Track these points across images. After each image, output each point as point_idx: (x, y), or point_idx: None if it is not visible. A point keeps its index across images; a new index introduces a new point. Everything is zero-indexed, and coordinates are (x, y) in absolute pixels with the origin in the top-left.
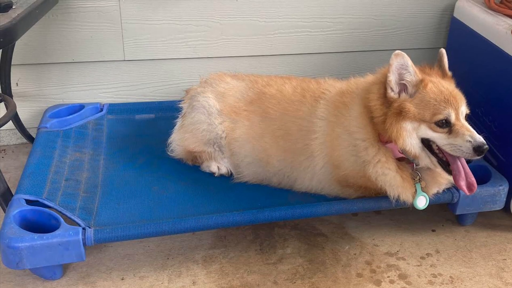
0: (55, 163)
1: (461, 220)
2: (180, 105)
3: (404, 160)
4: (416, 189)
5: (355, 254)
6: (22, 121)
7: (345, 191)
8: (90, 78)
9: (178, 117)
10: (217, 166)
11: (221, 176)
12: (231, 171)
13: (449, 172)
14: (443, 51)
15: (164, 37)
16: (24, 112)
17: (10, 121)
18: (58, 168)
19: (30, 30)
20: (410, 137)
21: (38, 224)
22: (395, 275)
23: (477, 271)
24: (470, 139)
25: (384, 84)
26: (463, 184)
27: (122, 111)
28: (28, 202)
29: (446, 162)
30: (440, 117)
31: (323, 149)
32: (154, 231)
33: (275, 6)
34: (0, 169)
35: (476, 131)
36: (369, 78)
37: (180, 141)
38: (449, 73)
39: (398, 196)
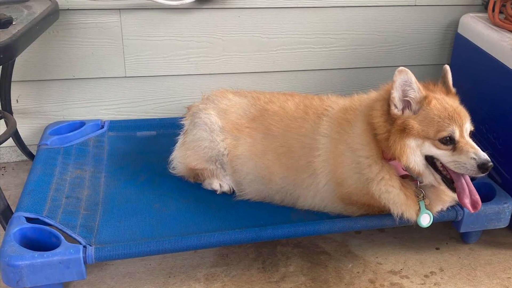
0: (56, 180)
1: (465, 238)
2: (181, 122)
3: (408, 178)
4: (420, 207)
5: (358, 272)
6: (22, 138)
7: (348, 209)
8: (91, 94)
9: (179, 134)
10: (219, 183)
11: (223, 193)
12: (233, 189)
13: (453, 189)
14: (447, 67)
15: (165, 53)
16: (24, 129)
17: (10, 138)
18: (58, 185)
19: (30, 46)
20: (413, 154)
21: (39, 242)
22: None
23: None
24: (474, 156)
25: (387, 101)
26: (467, 201)
27: (123, 128)
28: (29, 220)
29: (450, 180)
30: (444, 134)
31: (326, 167)
32: (155, 249)
33: (277, 22)
34: (0, 187)
35: (481, 148)
36: (373, 94)
37: (182, 158)
38: (453, 90)
39: (402, 213)
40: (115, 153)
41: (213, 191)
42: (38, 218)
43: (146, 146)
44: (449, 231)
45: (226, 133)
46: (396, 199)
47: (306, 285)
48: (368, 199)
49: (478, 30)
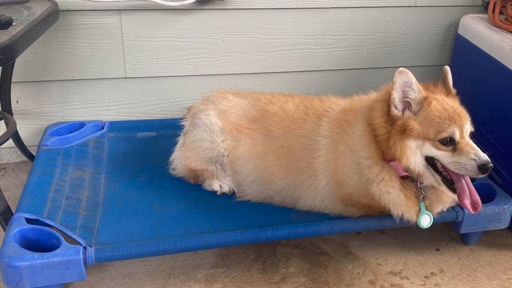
0: (56, 181)
1: (465, 239)
2: (182, 123)
3: (408, 179)
4: (420, 208)
5: (358, 273)
6: (22, 139)
7: (349, 210)
8: (91, 95)
9: (179, 135)
10: (219, 184)
11: (223, 194)
12: (233, 190)
13: (454, 190)
14: (448, 68)
15: (165, 54)
16: (24, 130)
17: (10, 139)
18: (58, 186)
19: (30, 47)
20: (414, 155)
21: (39, 243)
22: None
23: None
24: (474, 157)
25: (387, 101)
26: (467, 202)
27: (123, 129)
28: (29, 220)
29: (450, 181)
30: (444, 135)
31: (326, 168)
32: (155, 250)
33: (277, 23)
34: (0, 188)
35: (481, 149)
36: (373, 95)
37: (182, 159)
38: (454, 91)
39: (402, 214)
40: (115, 154)
41: (213, 192)
42: (38, 219)
43: (146, 147)
44: (449, 232)
45: (226, 134)
46: (396, 200)
47: (306, 286)
48: (368, 200)
49: (478, 31)
